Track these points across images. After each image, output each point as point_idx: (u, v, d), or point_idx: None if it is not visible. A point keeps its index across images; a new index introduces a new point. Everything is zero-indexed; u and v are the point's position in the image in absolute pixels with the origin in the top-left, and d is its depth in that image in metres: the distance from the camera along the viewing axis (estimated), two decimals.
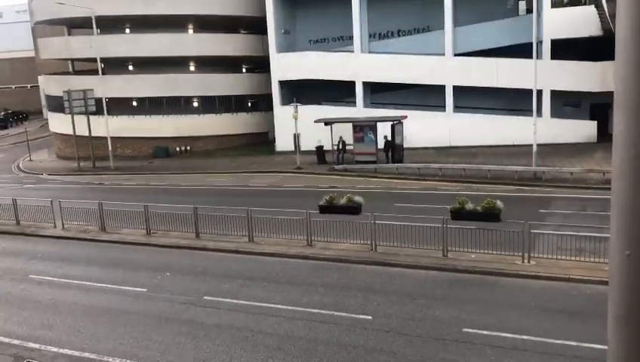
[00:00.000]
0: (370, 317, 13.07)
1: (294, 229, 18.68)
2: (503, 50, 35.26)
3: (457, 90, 36.77)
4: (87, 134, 39.42)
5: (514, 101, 35.88)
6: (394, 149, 32.59)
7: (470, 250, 16.22)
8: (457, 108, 37.14)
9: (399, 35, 40.23)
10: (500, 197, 20.48)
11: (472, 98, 36.64)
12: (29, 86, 78.67)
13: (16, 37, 79.23)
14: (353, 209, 20.31)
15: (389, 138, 32.57)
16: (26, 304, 15.56)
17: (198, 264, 17.97)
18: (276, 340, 12.37)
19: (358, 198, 20.97)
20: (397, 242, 17.21)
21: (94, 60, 40.08)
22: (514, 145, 33.60)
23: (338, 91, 39.62)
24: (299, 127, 33.51)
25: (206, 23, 43.55)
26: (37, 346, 12.78)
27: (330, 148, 34.22)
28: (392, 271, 16.14)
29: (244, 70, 47.43)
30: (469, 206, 19.01)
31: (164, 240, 20.30)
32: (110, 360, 11.91)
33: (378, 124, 32.75)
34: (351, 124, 33.30)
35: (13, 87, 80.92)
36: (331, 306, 13.83)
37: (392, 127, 32.50)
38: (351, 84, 38.86)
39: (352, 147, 33.47)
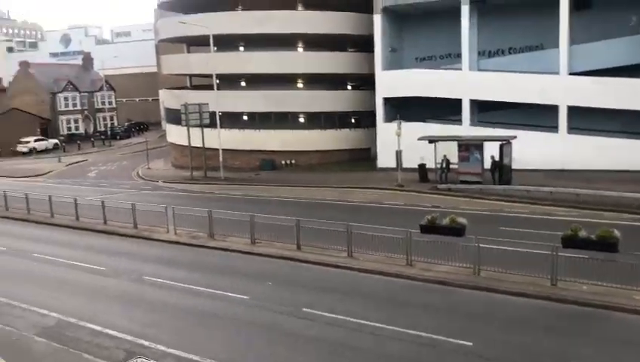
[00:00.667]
0: (470, 344, 12.69)
1: (394, 247, 18.55)
2: (623, 69, 33.07)
3: (571, 110, 34.92)
4: (200, 145, 41.66)
5: (634, 123, 33.47)
6: (501, 170, 31.45)
7: (582, 281, 15.28)
8: (571, 129, 35.24)
9: (510, 53, 38.98)
10: (618, 226, 19.10)
11: (586, 119, 34.61)
12: (150, 99, 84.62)
13: (142, 54, 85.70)
14: (456, 230, 19.81)
15: (497, 158, 31.51)
16: (139, 303, 16.67)
17: (299, 275, 18.34)
18: (373, 358, 12.34)
19: (461, 219, 20.45)
20: (502, 268, 16.58)
21: (210, 76, 42.39)
22: (635, 171, 31.27)
23: (443, 109, 39.01)
24: (401, 144, 33.34)
25: (315, 42, 44.69)
26: (147, 343, 13.63)
27: (433, 166, 33.70)
28: (495, 298, 15.56)
29: (349, 87, 48.08)
30: (583, 233, 17.89)
31: (267, 250, 20.93)
32: None
33: (485, 143, 31.81)
34: (456, 143, 32.60)
35: (137, 99, 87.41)
36: (430, 329, 13.57)
37: (500, 147, 31.42)
38: (457, 102, 38.14)
39: (456, 166, 32.74)
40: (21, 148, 64.44)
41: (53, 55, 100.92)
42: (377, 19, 40.26)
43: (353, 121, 45.99)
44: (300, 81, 46.34)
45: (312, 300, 15.92)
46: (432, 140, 33.09)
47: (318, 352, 12.82)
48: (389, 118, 39.07)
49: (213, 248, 22.04)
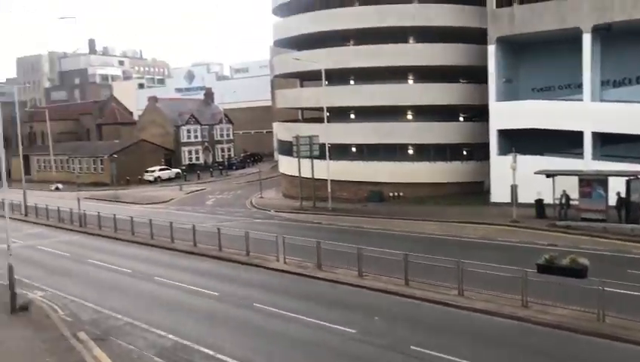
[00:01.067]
0: None
1: (508, 287, 17.68)
2: None
3: None
4: (310, 176, 42.64)
5: None
6: (628, 207, 29.07)
7: None
8: None
9: (638, 83, 36.35)
10: None
11: None
12: (264, 131, 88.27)
13: (258, 88, 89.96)
14: (577, 271, 18.49)
15: (623, 195, 29.21)
16: (249, 329, 17.14)
17: (406, 311, 17.98)
18: None
19: (583, 260, 19.08)
20: (630, 315, 15.21)
21: (321, 109, 43.53)
22: None
23: (562, 142, 36.99)
24: (517, 177, 31.96)
25: (425, 74, 44.51)
26: None
27: (550, 202, 31.90)
28: (622, 348, 14.28)
29: (460, 119, 47.18)
30: None
31: (375, 284, 20.76)
32: None
33: (610, 178, 29.65)
34: (577, 178, 30.69)
35: (252, 132, 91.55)
36: None
37: (627, 182, 29.11)
38: (577, 135, 36.00)
39: (577, 202, 30.74)
40: (147, 176, 69.52)
41: (178, 90, 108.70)
42: (492, 49, 39.37)
43: (464, 153, 44.90)
44: (409, 112, 46.21)
45: (420, 338, 15.52)
46: (551, 174, 31.39)
47: None
48: (503, 151, 37.70)
49: (320, 279, 22.24)
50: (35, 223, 41.75)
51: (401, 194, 44.33)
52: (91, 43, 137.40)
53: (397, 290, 19.80)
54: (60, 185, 68.01)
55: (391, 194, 44.47)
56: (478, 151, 43.34)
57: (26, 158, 73.04)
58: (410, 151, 45.20)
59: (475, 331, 16.04)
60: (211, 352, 15.27)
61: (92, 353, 15.59)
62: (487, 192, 40.06)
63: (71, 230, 37.96)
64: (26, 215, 44.87)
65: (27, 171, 67.56)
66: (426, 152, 44.45)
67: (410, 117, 46.44)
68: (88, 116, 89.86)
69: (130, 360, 15.12)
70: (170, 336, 16.69)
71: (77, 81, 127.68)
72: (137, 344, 16.26)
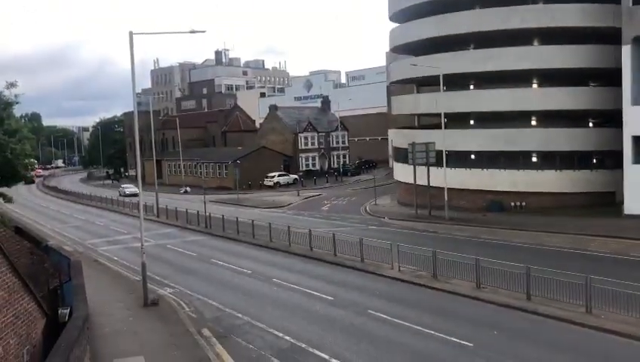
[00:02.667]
0: None
1: None
2: None
3: None
4: (426, 184, 41.93)
5: None
6: None
7: None
8: None
9: None
10: None
11: None
12: (379, 138, 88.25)
13: (374, 95, 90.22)
14: None
15: None
16: (364, 336, 17.19)
17: (527, 327, 17.10)
18: None
19: None
20: None
21: (438, 115, 42.71)
22: None
23: None
24: None
25: (550, 77, 42.14)
26: None
27: None
28: None
29: (590, 124, 44.07)
30: None
31: (493, 297, 19.97)
32: None
33: None
34: None
35: (367, 138, 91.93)
36: None
37: None
38: None
39: None
40: (267, 182, 72.26)
41: (297, 98, 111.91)
42: (626, 50, 36.42)
43: (594, 161, 41.86)
44: (533, 118, 43.97)
45: (542, 357, 14.69)
46: None
47: None
48: (638, 159, 34.72)
49: (436, 289, 21.80)
50: (165, 224, 44.91)
51: (523, 204, 42.24)
52: (218, 55, 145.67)
53: (517, 304, 18.91)
54: (188, 189, 72.64)
55: (512, 203, 42.50)
56: (610, 159, 40.23)
57: (159, 163, 78.96)
58: (534, 159, 42.91)
59: (604, 353, 14.89)
60: (326, 356, 15.54)
61: (214, 349, 16.48)
62: (620, 204, 37.04)
63: (197, 231, 40.38)
64: (157, 216, 48.39)
65: (159, 175, 72.89)
66: (551, 160, 41.97)
67: (534, 123, 44.16)
68: (214, 124, 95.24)
69: (249, 360, 15.75)
70: (287, 338, 17.19)
71: (205, 91, 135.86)
72: (256, 343, 16.93)
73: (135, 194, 56.58)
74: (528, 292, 19.25)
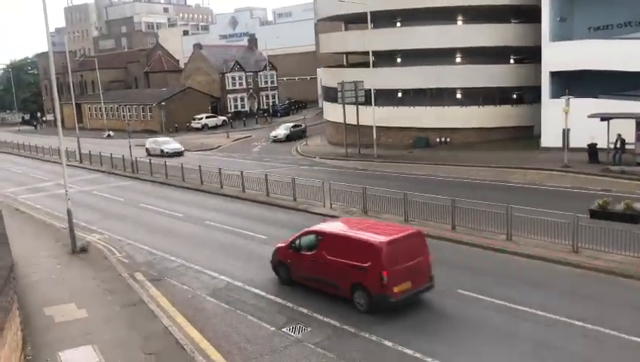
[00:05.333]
0: None
1: (558, 232, 17.43)
2: None
3: None
4: (355, 123, 42.35)
5: None
6: None
7: None
8: None
9: None
10: None
11: None
12: (309, 78, 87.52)
13: (302, 33, 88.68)
14: (632, 217, 18.07)
15: None
16: None
17: (452, 257, 18.02)
18: (531, 347, 11.83)
19: (638, 205, 18.57)
20: None
21: (366, 54, 42.69)
22: None
23: (619, 84, 35.28)
24: (569, 122, 30.93)
25: (475, 14, 42.84)
26: (306, 311, 14.39)
27: (604, 146, 30.84)
28: None
29: (511, 61, 45.50)
30: None
31: (421, 229, 20.70)
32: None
33: None
34: (634, 121, 29.47)
35: (297, 78, 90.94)
36: (596, 321, 12.66)
37: None
38: (637, 76, 34.29)
39: (632, 146, 29.66)
40: (195, 124, 70.60)
41: (222, 37, 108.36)
42: None
43: (515, 97, 43.53)
44: (458, 55, 44.85)
45: (467, 282, 15.60)
46: (605, 118, 30.26)
47: (476, 337, 12.59)
48: (555, 94, 36.37)
49: None
50: (89, 170, 43.30)
51: (448, 140, 43.67)
52: None
53: (443, 235, 19.82)
54: (111, 133, 69.94)
55: (438, 140, 43.85)
56: (529, 95, 41.97)
57: (78, 107, 75.17)
58: (459, 96, 44.11)
59: (523, 275, 16.00)
60: (262, 293, 15.83)
61: (148, 292, 16.39)
62: (538, 137, 39.00)
63: (124, 176, 39.24)
64: (80, 162, 46.53)
65: (79, 119, 69.44)
66: (474, 96, 43.27)
67: (458, 60, 45.09)
68: (136, 64, 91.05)
69: (185, 300, 15.81)
70: (223, 277, 17.34)
71: (124, 29, 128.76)
72: (191, 284, 16.98)
73: (179, 153, 48.45)
74: (453, 224, 20.21)
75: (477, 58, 43.29)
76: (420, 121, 43.90)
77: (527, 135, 41.72)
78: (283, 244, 16.76)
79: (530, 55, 41.82)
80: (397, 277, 13.58)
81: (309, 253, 15.46)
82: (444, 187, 28.14)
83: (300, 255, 15.82)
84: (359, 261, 13.94)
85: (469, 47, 42.43)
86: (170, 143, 50.32)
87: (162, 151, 48.40)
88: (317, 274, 15.20)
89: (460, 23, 44.50)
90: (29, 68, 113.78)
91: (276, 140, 55.38)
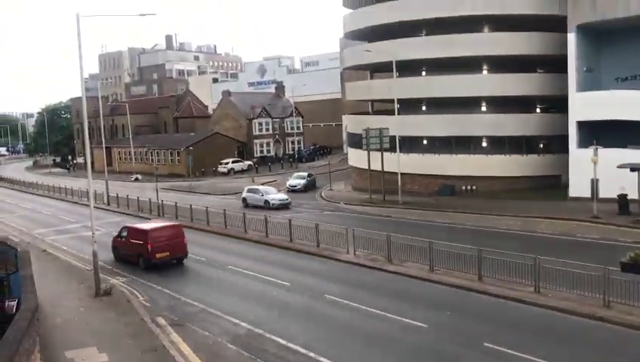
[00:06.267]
0: None
1: (588, 286, 16.93)
2: None
3: None
4: (380, 169, 42.40)
5: None
6: None
7: None
8: None
9: None
10: None
11: None
12: (334, 124, 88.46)
13: (328, 81, 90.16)
14: None
15: None
16: (321, 320, 17.33)
17: (479, 307, 17.60)
18: None
19: None
20: None
21: (391, 101, 43.10)
22: None
23: None
24: (598, 172, 30.49)
25: (500, 63, 43.14)
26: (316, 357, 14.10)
27: (635, 197, 30.21)
28: None
29: (537, 110, 45.40)
30: None
31: (446, 279, 20.44)
32: None
33: None
34: None
35: (322, 124, 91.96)
36: None
37: None
38: None
39: None
40: (221, 168, 71.43)
41: (251, 84, 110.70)
42: (571, 37, 37.59)
43: (541, 146, 43.23)
44: (483, 104, 44.98)
45: (494, 335, 15.16)
46: (635, 168, 29.73)
47: None
48: (583, 144, 36.02)
49: (391, 272, 22.14)
50: (116, 212, 43.85)
51: (473, 187, 43.33)
52: (168, 39, 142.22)
53: (469, 286, 19.43)
54: (139, 176, 71.10)
55: (463, 187, 43.54)
56: (556, 144, 41.62)
57: (108, 150, 76.87)
58: (484, 144, 43.99)
59: (552, 329, 15.49)
60: (283, 342, 15.58)
61: (170, 338, 16.28)
62: (565, 187, 38.45)
63: (149, 219, 39.59)
64: (108, 204, 47.21)
65: (109, 162, 70.99)
66: (500, 145, 43.11)
67: (484, 108, 45.18)
68: (166, 110, 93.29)
69: (206, 346, 15.65)
70: (244, 324, 17.14)
71: (155, 76, 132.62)
72: (212, 330, 16.82)
73: (286, 205, 41.32)
74: (480, 274, 19.81)
75: (503, 107, 43.33)
76: (445, 168, 43.75)
77: (554, 184, 41.19)
78: (116, 235, 27.24)
79: (557, 104, 41.72)
80: (158, 249, 24.35)
81: (124, 239, 26.00)
82: (469, 236, 27.74)
83: (121, 241, 26.29)
84: (140, 241, 24.76)
85: (495, 96, 42.57)
86: (275, 193, 43.10)
87: (267, 202, 41.13)
88: (127, 251, 25.77)
89: (485, 72, 44.80)
90: (63, 112, 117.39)
91: (295, 190, 50.72)
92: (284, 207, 40.73)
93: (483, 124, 43.32)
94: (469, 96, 42.72)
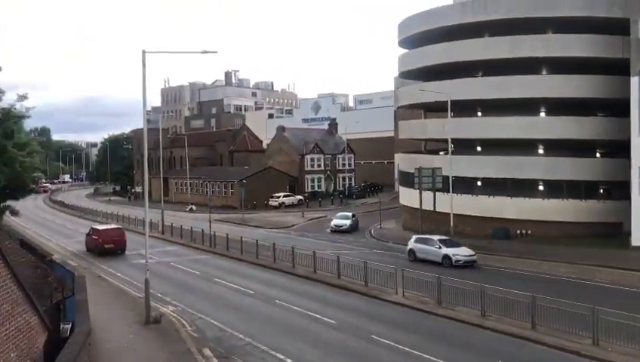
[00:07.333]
0: None
1: None
2: None
3: None
4: (431, 209, 41.83)
5: None
6: None
7: None
8: None
9: None
10: None
11: None
12: (385, 162, 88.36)
13: (381, 119, 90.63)
14: None
15: None
16: None
17: (531, 357, 16.88)
18: None
19: None
20: None
21: (445, 141, 42.80)
22: None
23: None
24: None
25: (558, 106, 42.26)
26: None
27: None
28: None
29: (597, 154, 44.00)
30: None
31: (498, 325, 19.76)
32: None
33: None
34: None
35: (373, 162, 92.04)
36: None
37: None
38: None
39: None
40: (272, 202, 72.23)
41: (305, 120, 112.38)
42: (635, 81, 36.54)
43: (601, 191, 41.71)
44: (540, 146, 44.00)
45: None
46: None
47: None
48: None
49: (440, 316, 21.60)
50: (169, 241, 44.85)
51: (528, 232, 42.03)
52: (228, 75, 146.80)
53: (522, 334, 18.70)
54: (194, 207, 72.69)
55: (518, 231, 42.30)
56: (617, 190, 40.09)
57: (166, 180, 79.10)
58: (541, 187, 42.82)
59: None
60: None
61: None
62: (627, 235, 36.80)
63: (201, 249, 40.29)
64: (162, 233, 48.35)
65: (166, 192, 72.96)
66: (557, 189, 41.85)
67: (541, 151, 44.18)
68: (222, 143, 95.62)
69: None
70: (289, 361, 17.01)
71: (214, 110, 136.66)
72: None
73: (472, 262, 32.50)
74: (533, 322, 19.07)
75: (560, 150, 42.26)
76: (500, 211, 42.73)
77: (615, 232, 39.47)
78: (88, 232, 40.67)
79: (618, 149, 40.35)
80: (106, 242, 37.95)
81: (93, 236, 38.95)
82: (523, 281, 26.86)
83: (90, 237, 39.50)
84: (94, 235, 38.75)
85: (553, 139, 41.60)
86: (458, 247, 33.53)
87: (447, 258, 32.38)
88: (91, 245, 38.82)
89: (542, 114, 43.96)
90: (125, 142, 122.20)
91: (340, 231, 48.77)
92: (469, 265, 32.00)
93: (540, 166, 42.30)
94: (526, 138, 41.90)
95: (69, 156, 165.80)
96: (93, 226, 42.03)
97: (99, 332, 19.48)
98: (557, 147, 42.52)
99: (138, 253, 37.36)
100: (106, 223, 51.17)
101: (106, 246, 37.62)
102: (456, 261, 32.09)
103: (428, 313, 22.07)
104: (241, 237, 38.15)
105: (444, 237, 35.03)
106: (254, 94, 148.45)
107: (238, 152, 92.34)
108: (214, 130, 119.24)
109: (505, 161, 42.55)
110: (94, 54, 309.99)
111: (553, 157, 42.63)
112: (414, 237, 36.09)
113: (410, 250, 34.97)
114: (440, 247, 33.19)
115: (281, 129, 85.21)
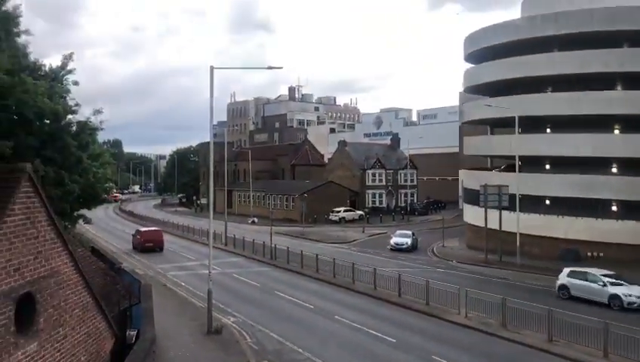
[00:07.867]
0: None
1: None
2: None
3: None
4: (496, 228, 40.64)
5: None
6: None
7: None
8: None
9: None
10: None
11: None
12: (449, 178, 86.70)
13: (445, 135, 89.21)
14: None
15: None
16: None
17: None
18: None
19: None
20: None
21: (512, 158, 41.57)
22: None
23: None
24: None
25: (634, 123, 40.26)
26: None
27: None
28: None
29: None
30: None
31: (566, 352, 18.88)
32: None
33: None
34: None
35: (437, 178, 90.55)
36: None
37: None
38: None
39: None
40: (333, 216, 72.27)
41: (367, 135, 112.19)
42: None
43: None
44: (614, 165, 42.00)
45: None
46: None
47: None
48: None
49: (504, 339, 20.88)
50: (232, 253, 45.63)
51: (600, 254, 40.02)
52: (291, 91, 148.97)
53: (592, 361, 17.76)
54: (255, 219, 73.77)
55: (589, 253, 40.38)
56: None
57: (229, 193, 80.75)
58: (614, 208, 40.81)
59: None
60: None
61: None
62: None
63: (262, 262, 40.76)
64: (225, 245, 49.27)
65: (229, 205, 74.36)
66: (632, 210, 39.71)
67: (614, 170, 42.16)
68: (284, 157, 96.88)
69: None
70: None
71: (277, 125, 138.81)
72: None
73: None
74: (605, 349, 18.10)
75: (635, 169, 40.17)
76: (569, 231, 40.97)
77: None
78: (134, 233, 48.58)
79: None
80: (147, 241, 45.42)
81: (137, 236, 46.78)
82: (594, 307, 25.54)
83: (135, 237, 47.16)
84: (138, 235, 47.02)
85: (628, 158, 39.62)
86: (629, 286, 27.65)
87: (616, 298, 26.68)
88: (136, 243, 46.47)
89: (617, 132, 42.03)
90: (192, 155, 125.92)
91: (400, 249, 46.73)
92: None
93: (613, 186, 40.34)
94: (598, 157, 40.12)
95: (139, 168, 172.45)
96: (138, 228, 50.16)
97: (161, 339, 19.98)
98: (633, 166, 40.45)
99: (201, 263, 38.23)
100: (147, 226, 56.92)
101: (147, 245, 44.99)
102: (629, 304, 26.19)
103: (491, 335, 21.39)
104: (302, 251, 38.33)
105: (609, 272, 28.95)
106: (317, 109, 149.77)
107: (300, 166, 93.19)
108: (277, 144, 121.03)
109: (575, 179, 40.87)
110: (165, 71, 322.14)
111: (629, 176, 40.56)
112: (567, 270, 30.10)
113: (562, 285, 29.49)
114: (604, 285, 27.56)
115: (343, 143, 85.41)
